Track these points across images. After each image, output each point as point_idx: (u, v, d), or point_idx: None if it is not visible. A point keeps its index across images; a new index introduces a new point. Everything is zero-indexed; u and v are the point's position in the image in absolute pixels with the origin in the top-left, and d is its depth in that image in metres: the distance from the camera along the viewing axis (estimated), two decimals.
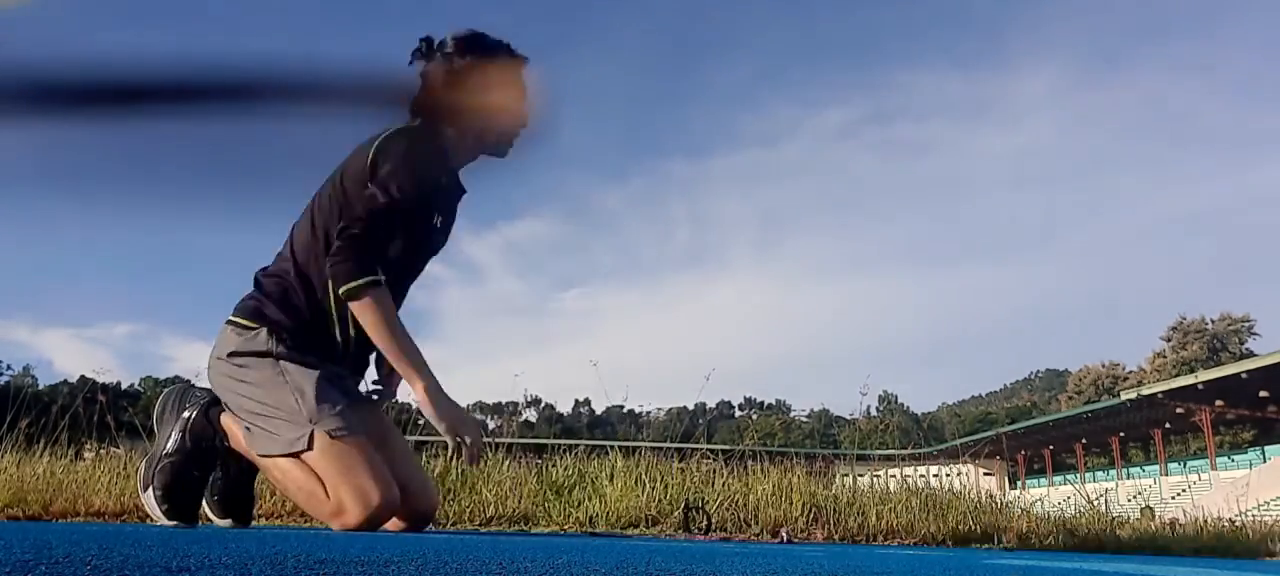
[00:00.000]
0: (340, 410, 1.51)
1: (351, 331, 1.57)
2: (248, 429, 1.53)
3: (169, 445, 1.60)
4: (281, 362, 1.52)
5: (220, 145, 0.77)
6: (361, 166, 1.53)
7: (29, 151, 0.68)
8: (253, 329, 1.54)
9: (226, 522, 1.65)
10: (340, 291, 1.49)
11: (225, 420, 1.59)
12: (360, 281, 1.47)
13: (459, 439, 1.52)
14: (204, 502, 1.66)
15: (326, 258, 1.50)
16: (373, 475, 1.47)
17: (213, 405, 1.61)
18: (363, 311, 1.49)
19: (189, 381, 1.73)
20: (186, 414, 1.62)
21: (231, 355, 1.54)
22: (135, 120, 0.69)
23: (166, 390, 1.70)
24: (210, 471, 1.64)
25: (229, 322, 1.58)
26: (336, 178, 1.56)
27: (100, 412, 4.41)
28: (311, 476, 1.49)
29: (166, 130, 0.73)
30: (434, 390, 1.52)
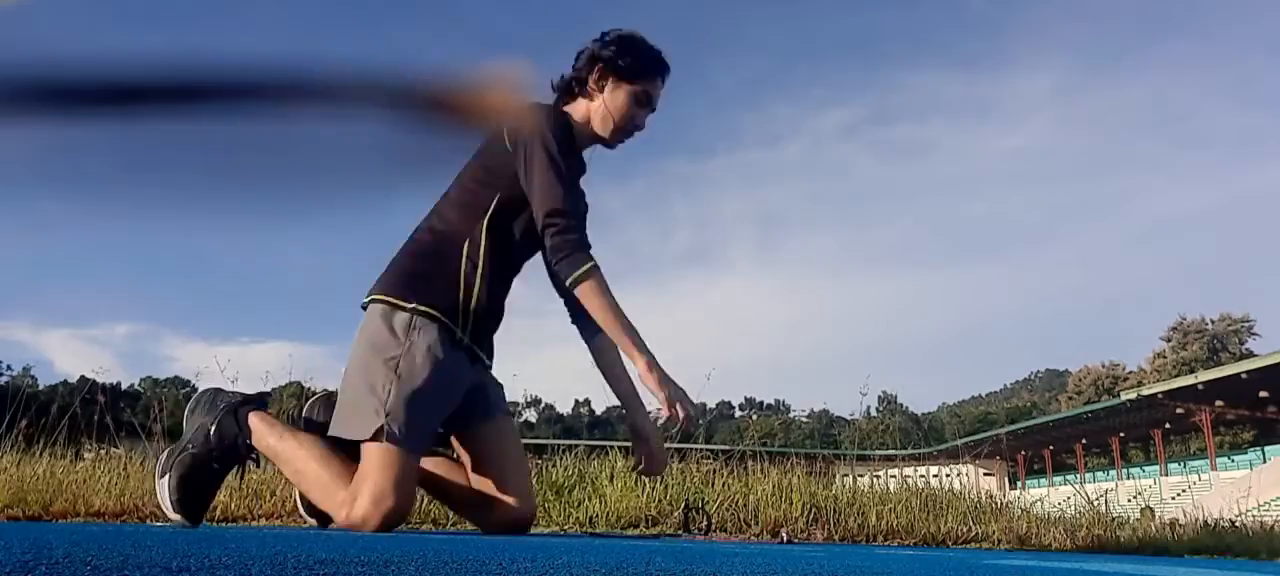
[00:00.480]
0: (420, 421, 1.55)
1: (479, 304, 1.63)
2: (341, 404, 1.60)
3: (195, 437, 1.63)
4: (413, 345, 1.57)
5: (221, 146, 0.77)
6: (498, 136, 1.62)
7: (29, 151, 0.68)
8: (402, 308, 1.59)
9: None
10: (568, 282, 1.58)
11: (253, 420, 1.62)
12: (584, 267, 1.57)
13: (674, 409, 1.60)
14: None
15: (546, 241, 1.59)
16: (400, 484, 1.50)
17: (243, 405, 1.65)
18: (589, 295, 1.58)
19: (218, 386, 1.78)
20: (218, 409, 1.66)
21: (378, 332, 1.59)
22: (136, 120, 0.69)
23: (202, 389, 1.74)
24: (228, 470, 1.67)
25: (378, 302, 1.62)
26: (478, 151, 1.65)
27: (100, 413, 4.41)
28: (335, 472, 1.54)
29: (168, 130, 0.73)
30: (654, 363, 1.62)
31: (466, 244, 1.64)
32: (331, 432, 1.57)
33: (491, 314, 1.70)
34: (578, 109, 1.76)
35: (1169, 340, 51.39)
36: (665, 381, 1.60)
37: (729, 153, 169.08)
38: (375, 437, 1.50)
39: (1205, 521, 4.42)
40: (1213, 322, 50.23)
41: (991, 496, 3.84)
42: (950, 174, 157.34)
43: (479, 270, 1.64)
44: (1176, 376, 34.64)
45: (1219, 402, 30.98)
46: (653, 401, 1.66)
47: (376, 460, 1.50)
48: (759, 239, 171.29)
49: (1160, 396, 30.15)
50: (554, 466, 3.30)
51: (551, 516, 2.87)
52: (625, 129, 1.76)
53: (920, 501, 3.37)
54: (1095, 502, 4.00)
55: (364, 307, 1.66)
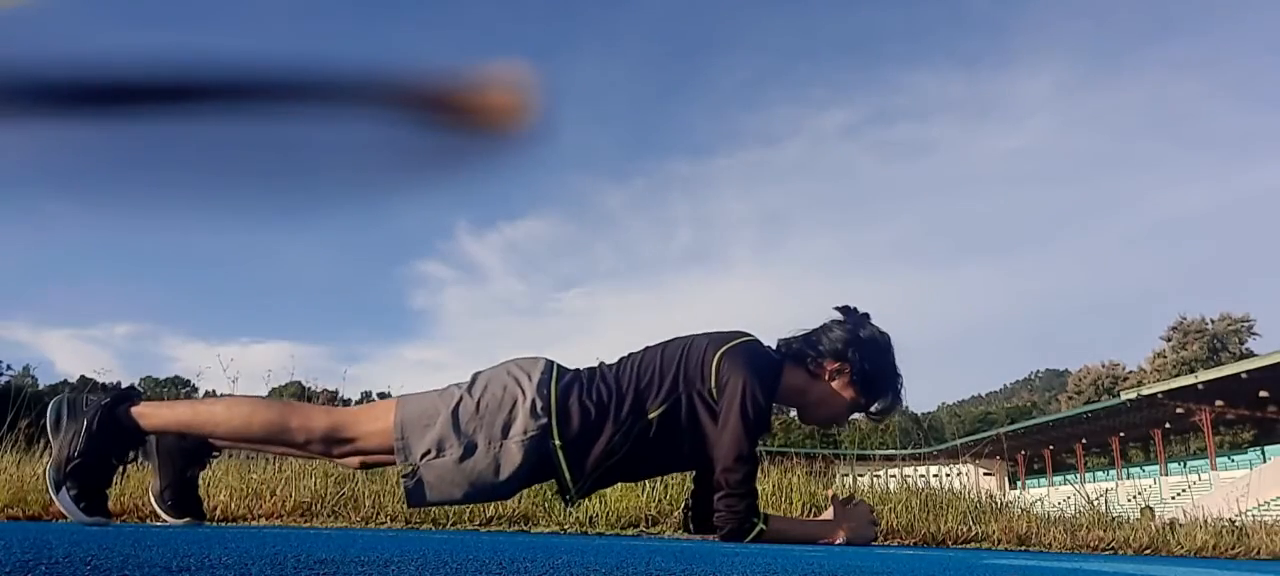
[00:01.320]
0: (434, 467, 1.59)
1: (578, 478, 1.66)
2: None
3: (78, 446, 1.56)
4: (528, 435, 1.60)
5: (222, 145, 0.77)
6: (707, 359, 1.67)
7: (29, 151, 0.68)
8: (543, 406, 1.61)
9: (184, 521, 1.66)
10: (723, 533, 1.66)
11: (140, 409, 1.59)
12: (756, 532, 1.66)
13: (850, 537, 1.79)
14: (155, 505, 1.67)
15: (716, 500, 1.65)
16: (354, 447, 1.65)
17: (119, 403, 1.61)
18: (764, 541, 1.67)
19: (77, 391, 1.71)
20: (87, 413, 1.59)
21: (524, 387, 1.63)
22: (137, 120, 0.69)
23: (57, 398, 1.65)
24: (123, 460, 1.62)
25: (544, 367, 1.67)
26: (694, 350, 1.69)
27: None
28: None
29: (168, 130, 0.73)
30: (821, 530, 1.80)
31: (626, 423, 1.65)
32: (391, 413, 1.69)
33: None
34: (796, 376, 1.79)
35: (1169, 340, 51.34)
36: (840, 531, 1.78)
37: (730, 153, 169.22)
38: (392, 405, 1.64)
39: (1205, 521, 4.42)
40: (1213, 322, 50.17)
41: (991, 496, 3.84)
42: (951, 174, 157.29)
43: (616, 454, 1.66)
44: (1176, 376, 34.62)
45: (1219, 402, 30.95)
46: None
47: (373, 416, 1.65)
48: (759, 239, 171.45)
49: (1160, 396, 30.13)
50: None
51: (551, 516, 2.87)
52: (826, 421, 1.83)
53: (920, 501, 3.36)
54: (1095, 502, 4.00)
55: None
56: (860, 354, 1.77)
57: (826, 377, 1.79)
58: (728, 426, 1.63)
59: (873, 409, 1.82)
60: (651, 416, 1.65)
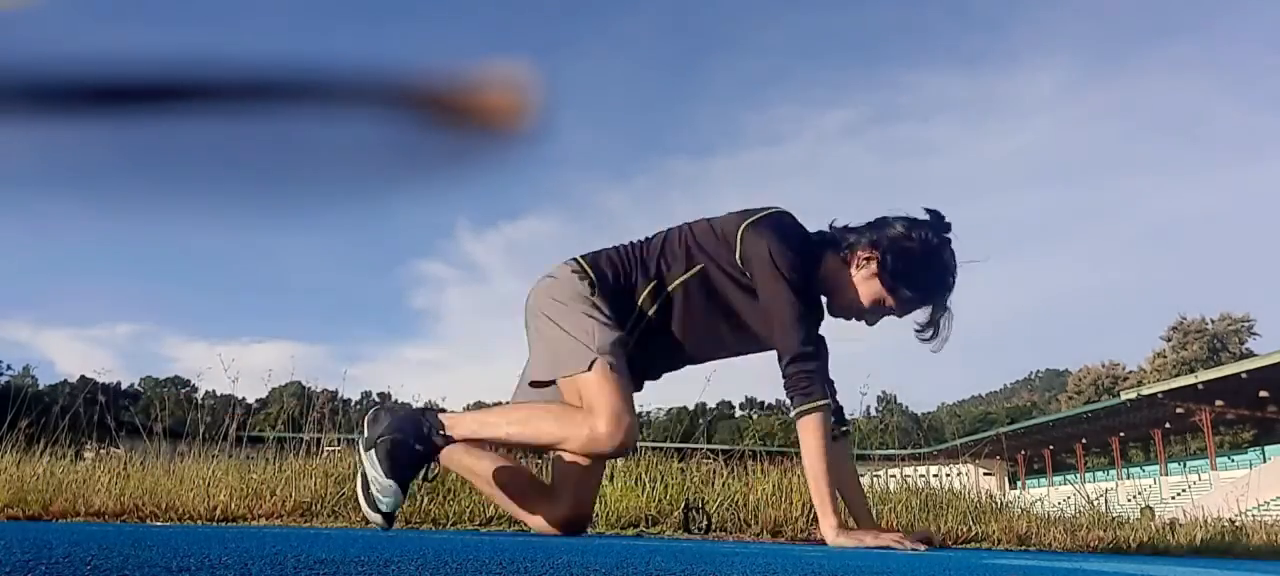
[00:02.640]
0: (619, 350, 1.66)
1: (636, 335, 1.73)
2: (540, 355, 1.72)
3: (389, 427, 1.62)
4: (590, 303, 1.69)
5: (221, 145, 0.77)
6: (730, 231, 1.71)
7: (29, 151, 0.68)
8: (583, 277, 1.71)
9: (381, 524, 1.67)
10: (793, 413, 1.66)
11: (446, 418, 1.66)
12: (815, 405, 1.64)
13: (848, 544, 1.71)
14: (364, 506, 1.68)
15: (783, 372, 1.66)
16: (629, 404, 1.61)
17: (429, 410, 1.69)
18: (806, 430, 1.64)
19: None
20: (401, 414, 1.67)
21: (556, 281, 1.74)
22: (136, 120, 0.69)
23: (374, 408, 1.74)
24: (428, 454, 1.64)
25: (569, 261, 1.76)
26: (722, 225, 1.73)
27: (100, 413, 4.40)
28: (571, 408, 1.64)
29: (168, 130, 0.73)
30: (840, 530, 1.73)
31: (651, 286, 1.72)
32: (552, 375, 1.67)
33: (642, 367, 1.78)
34: (829, 261, 1.77)
35: (1169, 340, 51.33)
36: (840, 533, 1.72)
37: (731, 153, 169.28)
38: (591, 368, 1.60)
39: (1205, 521, 4.42)
40: (1213, 322, 50.15)
41: (991, 496, 3.83)
42: (952, 173, 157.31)
43: (646, 316, 1.72)
44: (1176, 376, 34.61)
45: (1219, 402, 30.94)
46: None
47: (600, 386, 1.59)
48: None
49: (1160, 396, 30.11)
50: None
51: None
52: (847, 312, 1.80)
53: (920, 501, 3.36)
54: (1095, 502, 4.00)
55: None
56: (895, 246, 1.71)
57: (855, 266, 1.75)
58: (770, 293, 1.64)
59: (904, 298, 1.74)
60: (672, 288, 1.71)
